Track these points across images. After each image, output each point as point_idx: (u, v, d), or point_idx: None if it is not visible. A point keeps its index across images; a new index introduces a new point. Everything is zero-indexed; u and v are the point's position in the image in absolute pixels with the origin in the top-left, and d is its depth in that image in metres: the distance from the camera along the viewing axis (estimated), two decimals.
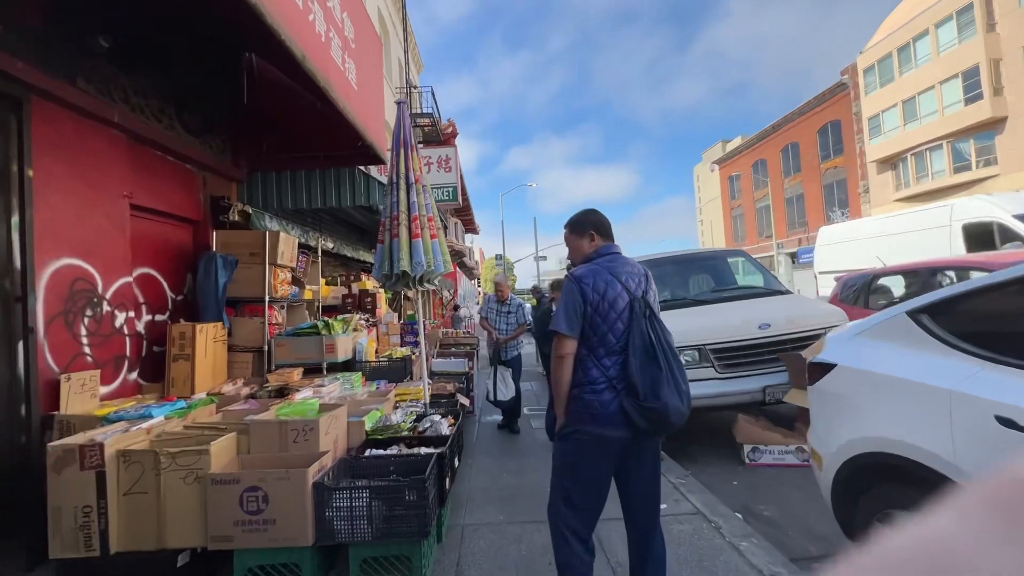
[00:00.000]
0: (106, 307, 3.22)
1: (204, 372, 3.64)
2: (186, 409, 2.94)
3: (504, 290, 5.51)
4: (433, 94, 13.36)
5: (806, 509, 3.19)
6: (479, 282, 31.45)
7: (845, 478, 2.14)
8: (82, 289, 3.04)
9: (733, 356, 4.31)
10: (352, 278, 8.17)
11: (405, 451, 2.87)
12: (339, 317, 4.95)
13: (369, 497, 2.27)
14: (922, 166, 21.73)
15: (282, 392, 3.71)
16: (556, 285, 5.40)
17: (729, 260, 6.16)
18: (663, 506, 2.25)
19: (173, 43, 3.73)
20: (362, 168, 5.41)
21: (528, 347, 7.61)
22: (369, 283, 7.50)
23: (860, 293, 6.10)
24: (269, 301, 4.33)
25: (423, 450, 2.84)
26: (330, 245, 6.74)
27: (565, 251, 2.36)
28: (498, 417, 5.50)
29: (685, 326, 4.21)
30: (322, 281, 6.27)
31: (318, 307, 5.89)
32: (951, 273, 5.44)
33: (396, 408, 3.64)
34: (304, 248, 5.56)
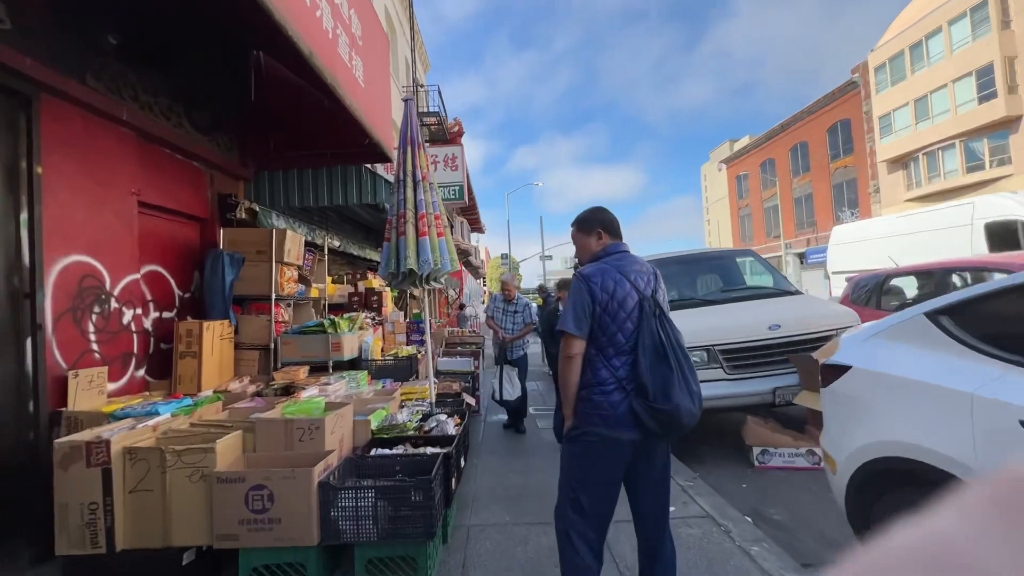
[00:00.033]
0: (114, 304, 3.22)
1: (211, 369, 3.64)
2: (192, 406, 2.94)
3: (511, 289, 5.48)
4: (440, 93, 13.35)
5: (817, 513, 3.14)
6: (484, 281, 31.44)
7: (860, 483, 2.09)
8: (90, 286, 3.05)
9: (742, 357, 4.26)
10: (358, 276, 8.18)
11: (411, 451, 2.85)
12: (345, 315, 4.95)
13: (375, 497, 2.25)
14: (934, 166, 21.43)
15: (288, 390, 3.71)
16: (563, 284, 5.36)
17: (738, 260, 6.09)
18: (671, 509, 2.21)
19: (181, 41, 3.73)
20: (368, 166, 5.40)
21: (534, 346, 7.58)
22: (375, 281, 7.50)
23: (872, 294, 6.00)
24: (276, 299, 4.33)
25: (429, 450, 2.83)
26: (336, 243, 6.74)
27: (570, 251, 2.33)
28: (504, 416, 5.48)
29: (694, 326, 4.16)
30: (328, 279, 6.27)
31: (324, 305, 5.89)
32: (966, 274, 5.34)
33: (402, 407, 3.62)
34: (311, 246, 5.56)
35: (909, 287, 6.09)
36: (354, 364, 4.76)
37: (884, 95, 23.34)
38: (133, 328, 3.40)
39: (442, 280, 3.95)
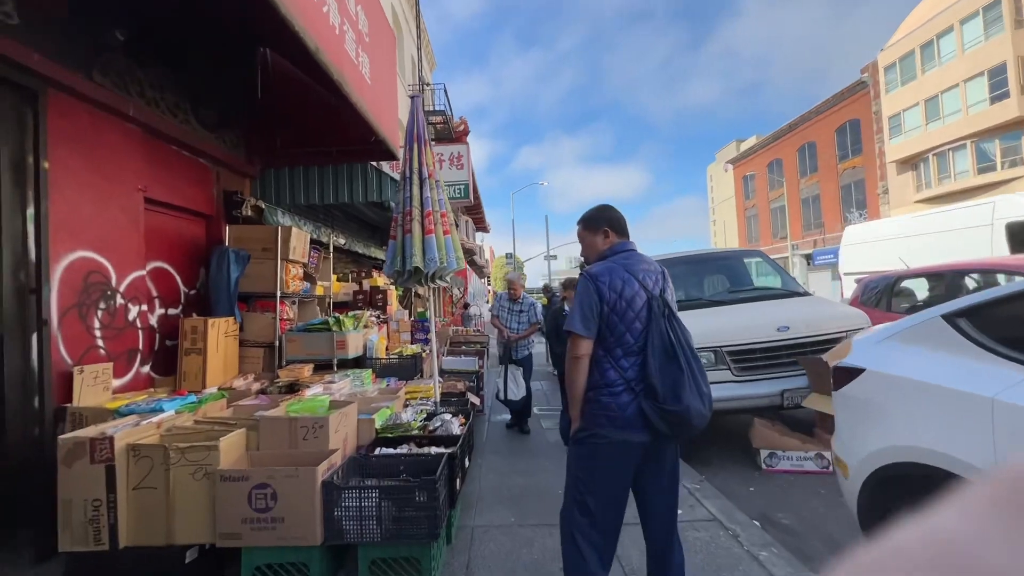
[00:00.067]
0: (119, 300, 3.22)
1: (215, 367, 3.63)
2: (197, 403, 2.93)
3: (517, 288, 5.45)
4: (446, 91, 13.35)
5: (826, 517, 3.09)
6: (489, 280, 31.42)
7: (873, 488, 2.05)
8: (96, 282, 3.04)
9: (750, 359, 4.20)
10: (363, 275, 8.18)
11: (415, 450, 2.83)
12: (350, 313, 4.94)
13: (379, 497, 2.23)
14: (944, 167, 21.19)
15: (292, 388, 3.70)
16: (569, 284, 5.32)
17: (746, 260, 6.03)
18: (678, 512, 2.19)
19: (188, 37, 3.73)
20: (374, 164, 5.39)
21: (539, 346, 7.55)
22: (380, 280, 7.49)
23: (882, 296, 5.92)
24: (281, 296, 4.32)
25: (434, 450, 2.80)
26: (342, 241, 6.74)
27: (575, 250, 2.30)
28: (508, 416, 5.45)
29: (701, 327, 4.10)
30: (333, 277, 6.27)
31: (329, 303, 5.89)
32: (976, 276, 5.26)
33: (406, 406, 3.60)
34: (316, 244, 5.56)
35: (920, 289, 6.00)
36: (358, 362, 4.75)
37: (894, 95, 23.10)
38: (138, 324, 3.40)
39: (447, 278, 3.92)
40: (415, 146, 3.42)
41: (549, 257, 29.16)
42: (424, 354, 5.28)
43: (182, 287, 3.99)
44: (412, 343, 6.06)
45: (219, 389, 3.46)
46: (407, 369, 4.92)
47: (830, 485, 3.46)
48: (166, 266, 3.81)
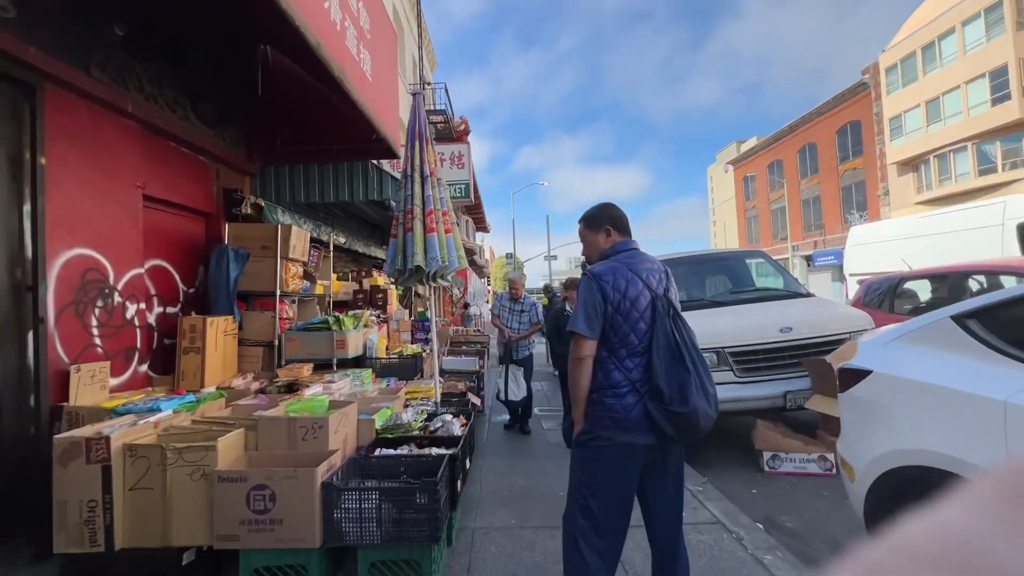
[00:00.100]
0: (117, 298, 3.19)
1: (214, 366, 3.60)
2: (195, 403, 2.90)
3: (519, 288, 5.42)
4: (447, 91, 13.32)
5: (830, 520, 3.06)
6: (489, 280, 31.38)
7: (880, 492, 2.02)
8: (93, 279, 3.01)
9: (753, 360, 4.17)
10: (363, 274, 8.15)
11: (416, 451, 2.80)
12: (350, 313, 4.91)
13: (379, 499, 2.20)
14: (945, 168, 21.17)
15: (292, 387, 3.66)
16: (570, 283, 5.29)
17: (747, 261, 6.00)
18: None
19: (188, 32, 3.70)
20: (375, 162, 5.36)
21: (539, 346, 7.52)
22: (380, 279, 7.46)
23: (885, 297, 5.89)
24: (280, 295, 4.29)
25: (435, 451, 2.77)
26: (342, 240, 6.70)
27: (575, 250, 2.27)
28: (508, 417, 5.42)
29: (703, 328, 4.05)
30: (333, 276, 6.24)
31: (329, 302, 5.86)
32: (980, 277, 5.23)
33: (407, 406, 3.57)
34: (316, 243, 5.52)
35: (923, 290, 5.97)
36: (358, 362, 4.72)
37: (895, 96, 23.08)
38: (136, 323, 3.36)
39: (448, 278, 3.89)
40: (416, 144, 3.39)
41: (549, 257, 29.10)
42: (424, 354, 5.24)
43: (181, 285, 3.95)
44: (412, 343, 6.02)
45: (218, 388, 3.42)
46: (407, 369, 4.89)
47: (833, 487, 3.44)
48: (165, 264, 3.78)
